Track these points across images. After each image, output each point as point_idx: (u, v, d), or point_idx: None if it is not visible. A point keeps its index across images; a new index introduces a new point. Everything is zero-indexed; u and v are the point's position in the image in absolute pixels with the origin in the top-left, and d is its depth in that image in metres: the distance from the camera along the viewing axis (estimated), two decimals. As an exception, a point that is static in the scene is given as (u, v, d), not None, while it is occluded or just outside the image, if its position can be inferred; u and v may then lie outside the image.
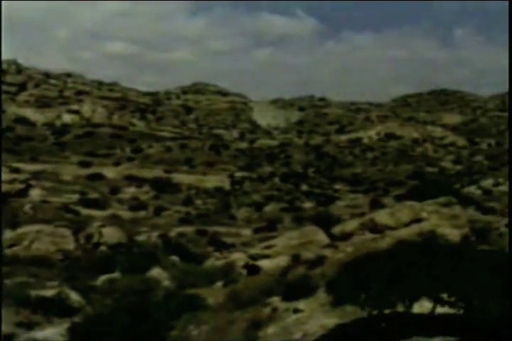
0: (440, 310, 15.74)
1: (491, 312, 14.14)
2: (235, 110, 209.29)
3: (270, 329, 20.91)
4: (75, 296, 29.91)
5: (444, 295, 15.04)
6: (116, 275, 39.26)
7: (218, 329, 22.41)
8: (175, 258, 51.67)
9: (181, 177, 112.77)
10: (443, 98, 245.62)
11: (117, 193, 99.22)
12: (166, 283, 37.20)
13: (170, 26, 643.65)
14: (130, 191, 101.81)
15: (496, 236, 58.88)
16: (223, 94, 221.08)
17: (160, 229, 73.81)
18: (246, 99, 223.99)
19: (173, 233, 72.36)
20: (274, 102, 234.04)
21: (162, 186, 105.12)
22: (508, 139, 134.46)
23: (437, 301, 15.39)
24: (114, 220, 77.39)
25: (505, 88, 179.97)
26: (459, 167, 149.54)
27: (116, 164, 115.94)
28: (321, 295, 22.07)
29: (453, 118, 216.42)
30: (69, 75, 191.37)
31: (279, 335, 20.11)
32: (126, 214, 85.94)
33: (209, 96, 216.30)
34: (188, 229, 75.98)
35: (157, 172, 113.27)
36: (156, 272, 39.73)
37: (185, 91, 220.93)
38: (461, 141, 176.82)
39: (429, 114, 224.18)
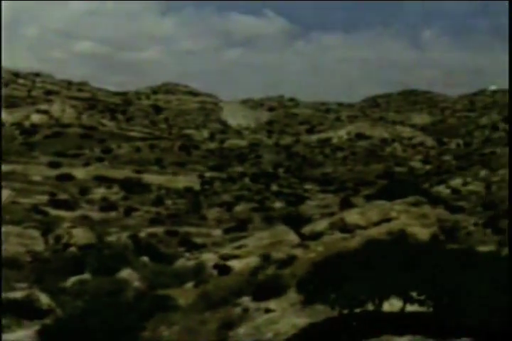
0: (410, 308, 15.90)
1: (460, 311, 14.32)
2: (205, 110, 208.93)
3: (241, 330, 20.95)
4: (44, 298, 29.64)
5: (414, 294, 15.19)
6: (86, 276, 39.05)
7: (189, 330, 22.39)
8: (145, 258, 51.55)
9: (151, 178, 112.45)
10: (412, 98, 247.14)
11: (87, 194, 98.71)
12: (137, 283, 37.09)
13: (140, 26, 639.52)
14: (100, 192, 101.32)
15: (465, 235, 59.64)
16: (193, 94, 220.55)
17: (130, 230, 73.61)
18: (216, 99, 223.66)
19: (143, 233, 72.23)
20: (244, 102, 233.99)
21: (132, 186, 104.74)
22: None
23: (407, 300, 15.55)
24: (84, 221, 77.03)
25: (473, 88, 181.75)
26: (427, 167, 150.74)
27: (86, 164, 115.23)
28: (292, 295, 22.18)
29: (422, 119, 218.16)
30: (38, 75, 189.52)
31: (250, 335, 20.15)
32: (95, 214, 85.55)
33: (179, 96, 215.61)
34: (159, 230, 75.88)
35: (127, 172, 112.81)
36: (126, 273, 39.58)
37: (155, 91, 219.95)
38: (430, 141, 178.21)
39: (399, 114, 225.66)
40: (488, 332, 14.09)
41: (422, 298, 15.06)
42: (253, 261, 42.21)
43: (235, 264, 42.80)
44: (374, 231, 45.01)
